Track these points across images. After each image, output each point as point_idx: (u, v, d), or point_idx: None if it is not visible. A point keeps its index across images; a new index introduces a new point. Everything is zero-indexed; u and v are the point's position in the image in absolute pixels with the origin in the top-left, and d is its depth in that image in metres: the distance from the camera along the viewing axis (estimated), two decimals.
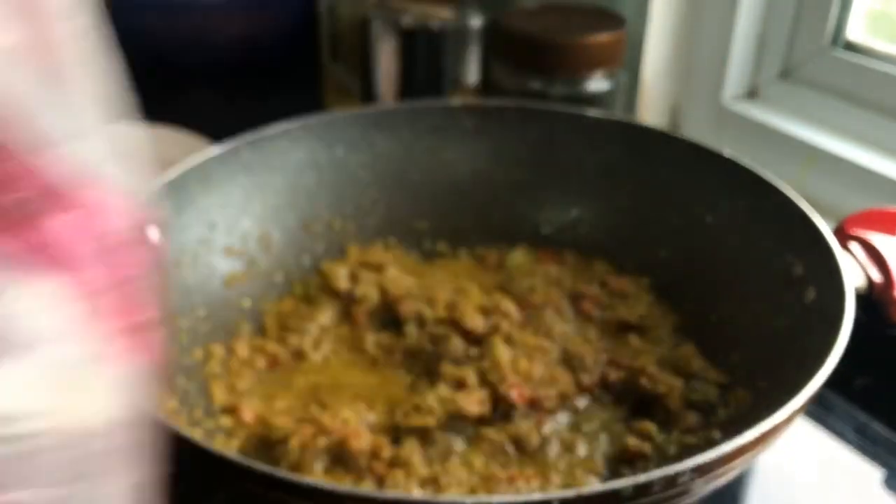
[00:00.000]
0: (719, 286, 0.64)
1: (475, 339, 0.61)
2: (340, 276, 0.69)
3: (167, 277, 0.61)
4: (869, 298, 0.56)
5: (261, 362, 0.62)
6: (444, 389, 0.56)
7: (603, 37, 0.79)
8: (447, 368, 0.59)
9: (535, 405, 0.57)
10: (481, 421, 0.56)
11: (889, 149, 0.80)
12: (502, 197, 0.75)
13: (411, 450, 0.52)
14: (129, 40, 1.30)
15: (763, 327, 0.58)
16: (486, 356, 0.59)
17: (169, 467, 0.59)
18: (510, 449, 0.55)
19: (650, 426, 0.56)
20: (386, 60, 0.95)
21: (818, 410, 0.65)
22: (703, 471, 0.40)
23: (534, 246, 0.75)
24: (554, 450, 0.55)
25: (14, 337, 0.20)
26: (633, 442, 0.54)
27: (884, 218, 0.61)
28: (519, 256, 0.74)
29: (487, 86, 0.91)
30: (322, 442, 0.52)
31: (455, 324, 0.62)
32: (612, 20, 0.83)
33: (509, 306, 0.64)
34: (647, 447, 0.54)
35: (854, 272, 0.55)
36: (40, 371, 0.20)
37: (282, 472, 0.40)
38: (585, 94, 0.81)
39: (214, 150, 0.66)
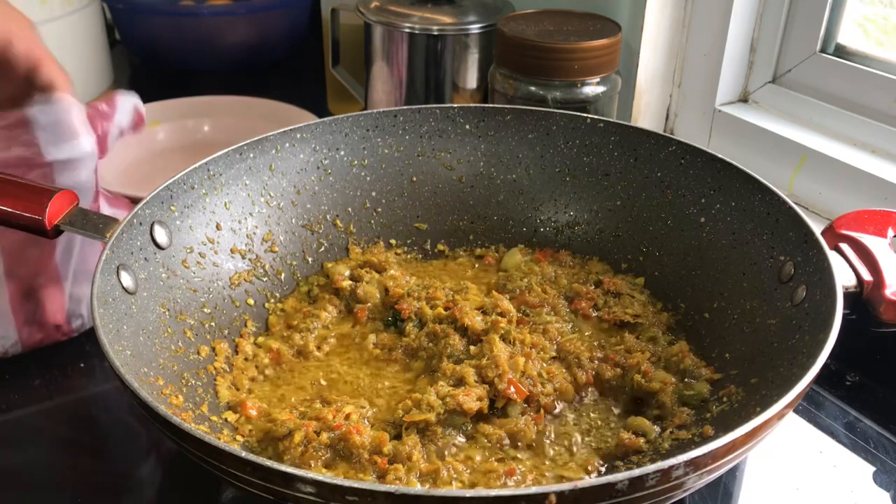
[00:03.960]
0: (712, 285, 0.65)
1: (474, 338, 0.62)
2: (343, 276, 0.70)
3: (174, 277, 0.62)
4: (859, 297, 0.56)
5: (265, 359, 0.63)
6: (443, 386, 0.57)
7: (599, 42, 0.80)
8: (447, 366, 0.59)
9: (532, 401, 0.58)
10: (480, 417, 0.57)
11: (879, 150, 0.81)
12: (500, 198, 0.76)
13: (412, 445, 0.53)
14: (137, 46, 1.34)
15: (755, 325, 0.59)
16: (484, 354, 0.60)
17: (177, 462, 0.60)
18: (508, 444, 0.55)
19: (644, 422, 0.57)
20: (387, 65, 0.96)
21: (809, 407, 0.66)
22: (696, 465, 0.41)
23: (531, 246, 0.76)
24: (550, 445, 0.56)
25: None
26: (627, 437, 0.55)
27: (874, 218, 0.61)
28: (517, 256, 0.74)
29: (486, 89, 0.92)
30: (325, 437, 0.53)
31: (454, 322, 0.63)
32: (607, 26, 0.84)
33: (507, 305, 0.65)
34: (641, 442, 0.55)
35: (844, 271, 0.56)
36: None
37: (286, 466, 0.40)
38: (582, 97, 0.82)
39: (220, 152, 0.67)
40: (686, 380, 0.60)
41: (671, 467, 0.40)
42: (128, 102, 0.72)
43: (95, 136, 0.68)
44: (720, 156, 0.67)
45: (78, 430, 0.67)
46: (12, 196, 0.60)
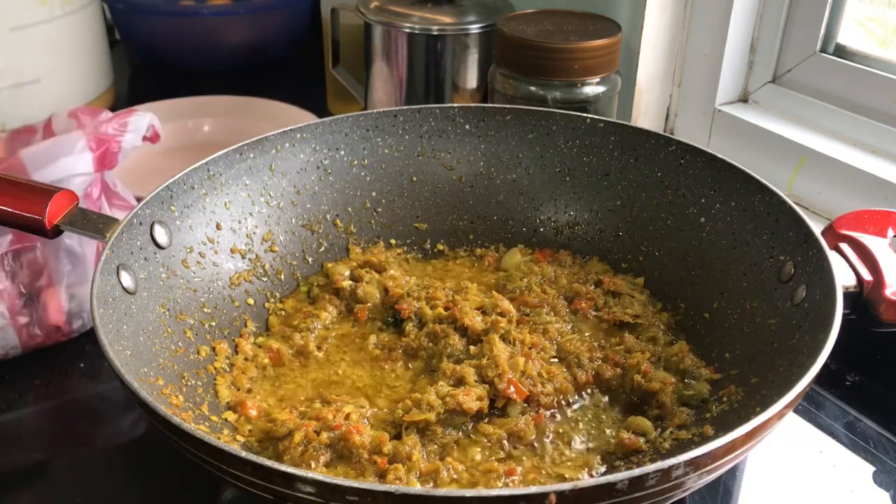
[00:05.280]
0: (712, 285, 0.65)
1: (474, 337, 0.62)
2: (343, 276, 0.70)
3: (174, 276, 0.62)
4: (859, 297, 0.56)
5: (265, 359, 0.63)
6: (443, 386, 0.57)
7: (599, 42, 0.80)
8: (446, 365, 0.59)
9: (531, 401, 0.58)
10: (480, 416, 0.57)
11: (879, 150, 0.81)
12: (500, 198, 0.77)
13: (412, 445, 0.53)
14: (137, 46, 1.36)
15: (755, 325, 0.59)
16: (484, 354, 0.60)
17: (177, 463, 0.60)
18: (508, 444, 0.55)
19: (644, 422, 0.57)
20: (387, 65, 0.96)
21: (809, 407, 0.66)
22: (696, 465, 0.41)
23: (531, 246, 0.76)
24: (550, 444, 0.56)
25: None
26: (627, 437, 0.55)
27: (874, 218, 0.61)
28: (516, 256, 0.74)
29: (486, 89, 0.92)
30: (325, 437, 0.53)
31: (454, 322, 0.63)
32: (607, 26, 0.84)
33: (507, 305, 0.65)
34: (641, 442, 0.55)
35: (844, 271, 0.56)
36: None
37: (286, 466, 0.40)
38: (582, 97, 0.82)
39: (220, 152, 0.67)
40: (686, 380, 0.60)
41: (671, 467, 0.40)
42: (142, 122, 0.73)
43: (95, 155, 0.68)
44: (720, 156, 0.67)
45: (78, 431, 0.67)
46: (12, 196, 0.60)
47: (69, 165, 0.67)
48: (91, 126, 0.71)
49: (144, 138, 0.74)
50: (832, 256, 0.55)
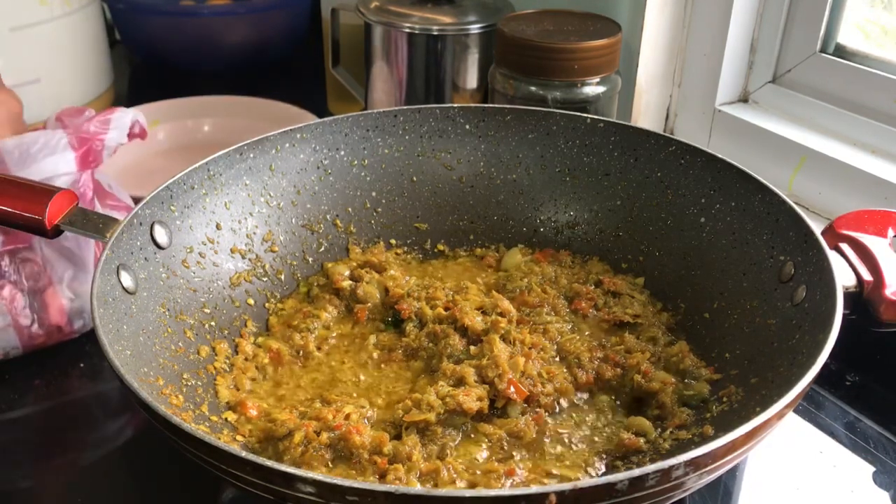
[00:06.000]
0: (712, 285, 0.65)
1: (474, 337, 0.62)
2: (343, 276, 0.70)
3: (174, 277, 0.62)
4: (859, 297, 0.56)
5: (265, 359, 0.63)
6: (443, 386, 0.57)
7: (599, 42, 0.80)
8: (447, 366, 0.59)
9: (532, 401, 0.58)
10: (480, 416, 0.57)
11: (879, 150, 0.81)
12: (500, 198, 0.77)
13: (412, 445, 0.53)
14: (137, 46, 1.36)
15: (755, 325, 0.59)
16: (484, 354, 0.60)
17: (177, 463, 0.60)
18: (508, 444, 0.55)
19: (644, 422, 0.57)
20: (387, 65, 0.96)
21: (809, 407, 0.66)
22: (696, 465, 0.41)
23: (531, 246, 0.76)
24: (550, 444, 0.56)
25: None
26: (627, 437, 0.55)
27: (874, 218, 0.61)
28: (517, 256, 0.74)
29: (486, 89, 0.92)
30: (325, 437, 0.53)
31: (454, 322, 0.63)
32: (607, 26, 0.84)
33: (507, 305, 0.65)
34: (641, 442, 0.55)
35: (844, 272, 0.56)
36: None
37: (286, 466, 0.40)
38: (582, 97, 0.82)
39: (220, 152, 0.67)
40: (686, 380, 0.60)
41: (671, 467, 0.40)
42: (125, 119, 0.72)
43: (77, 154, 0.68)
44: (720, 156, 0.67)
45: (78, 431, 0.67)
46: (12, 196, 0.60)
47: (52, 165, 0.67)
48: (73, 125, 0.71)
49: (132, 135, 0.74)
50: (832, 256, 0.55)
